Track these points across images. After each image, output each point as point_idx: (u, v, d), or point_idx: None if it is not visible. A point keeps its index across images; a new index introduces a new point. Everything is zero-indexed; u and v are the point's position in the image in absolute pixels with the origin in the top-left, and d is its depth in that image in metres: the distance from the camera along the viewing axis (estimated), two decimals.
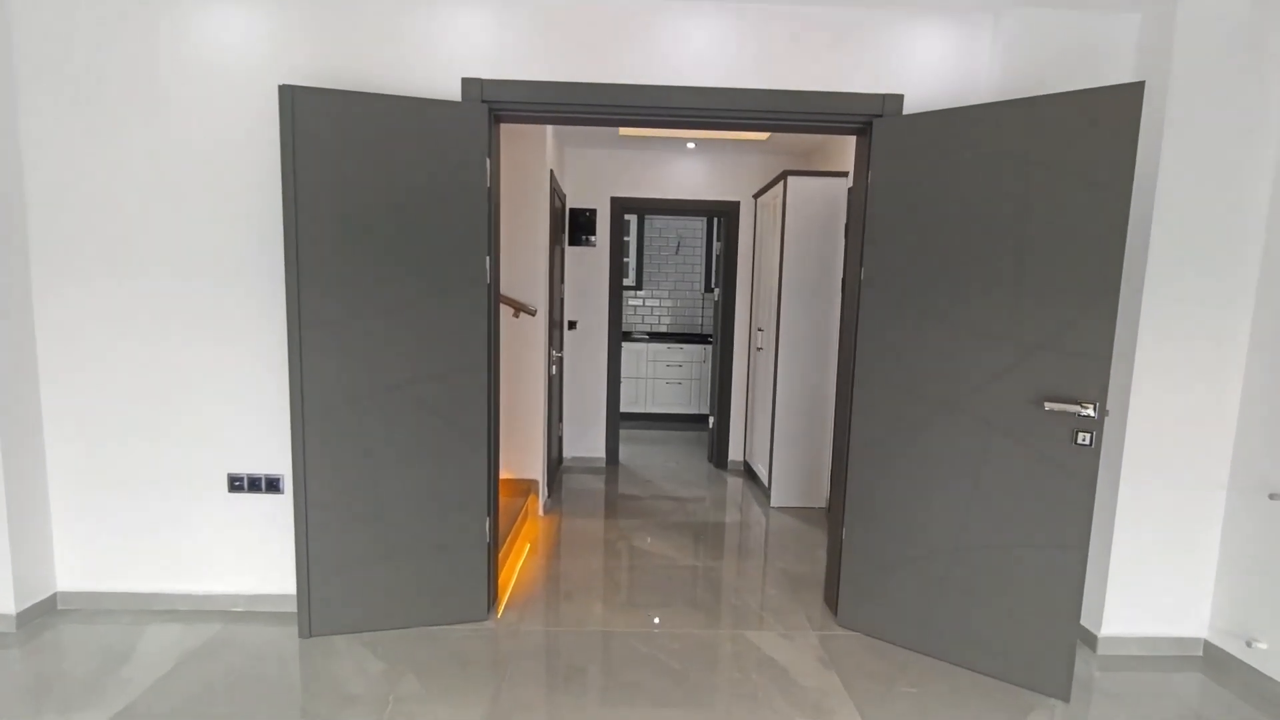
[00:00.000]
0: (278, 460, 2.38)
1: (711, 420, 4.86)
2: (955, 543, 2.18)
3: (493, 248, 2.33)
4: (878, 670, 2.18)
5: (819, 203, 3.67)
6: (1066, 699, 2.03)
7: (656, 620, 2.47)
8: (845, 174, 3.64)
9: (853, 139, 3.48)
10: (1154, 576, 2.28)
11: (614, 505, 3.84)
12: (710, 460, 4.90)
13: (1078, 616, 2.00)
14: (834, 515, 2.57)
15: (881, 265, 2.27)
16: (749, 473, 4.56)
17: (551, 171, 3.62)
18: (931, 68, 2.28)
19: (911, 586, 2.29)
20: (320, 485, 2.24)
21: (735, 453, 4.73)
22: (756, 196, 4.42)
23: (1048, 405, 1.97)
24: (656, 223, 6.68)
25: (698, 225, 6.69)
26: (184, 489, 2.39)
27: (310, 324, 2.15)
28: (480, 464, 2.34)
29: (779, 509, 3.86)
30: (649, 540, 3.27)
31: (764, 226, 4.21)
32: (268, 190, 2.26)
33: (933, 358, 2.19)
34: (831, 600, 2.57)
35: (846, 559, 2.44)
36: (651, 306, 6.81)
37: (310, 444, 2.21)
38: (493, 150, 2.30)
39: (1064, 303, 1.94)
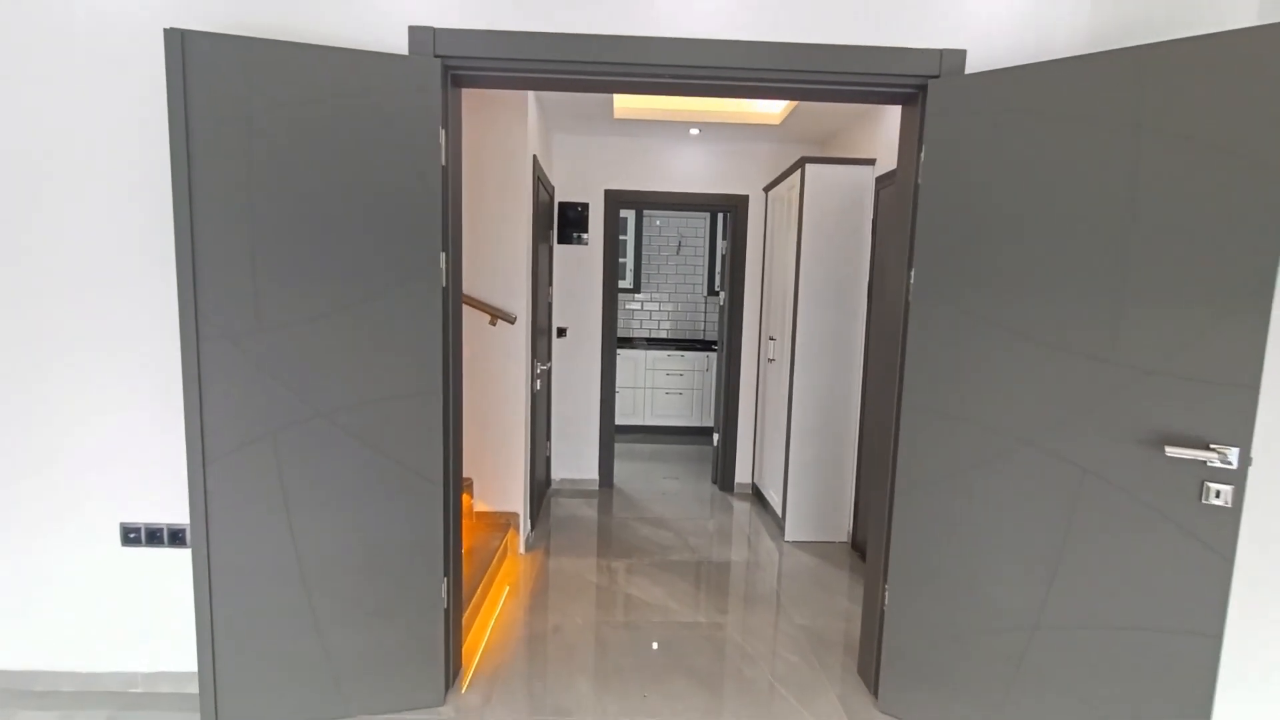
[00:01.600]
0: (184, 506, 1.91)
1: (716, 438, 4.39)
2: (1036, 618, 1.71)
3: (450, 241, 1.86)
4: None
5: (841, 194, 3.20)
6: None
7: (649, 701, 2.00)
8: (872, 161, 3.18)
9: (890, 114, 3.03)
10: None
11: (607, 539, 3.36)
12: (714, 482, 4.43)
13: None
14: (872, 570, 2.10)
15: (938, 266, 1.81)
16: (758, 498, 4.09)
17: (535, 158, 3.15)
18: (999, 16, 1.82)
19: (977, 669, 1.81)
20: (228, 539, 1.76)
21: (742, 474, 4.26)
22: (768, 189, 3.96)
23: (1169, 450, 1.49)
24: (656, 220, 6.22)
25: (700, 223, 6.23)
26: (66, 541, 1.92)
27: (212, 335, 1.68)
28: (434, 510, 1.87)
29: (794, 543, 3.39)
30: (649, 589, 2.80)
31: (777, 222, 3.75)
32: (161, 166, 1.79)
33: (1004, 382, 1.72)
34: (868, 675, 2.10)
35: (890, 628, 1.97)
36: (650, 310, 6.34)
37: (215, 487, 1.74)
38: (450, 119, 1.84)
39: (1187, 312, 1.48)
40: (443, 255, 1.81)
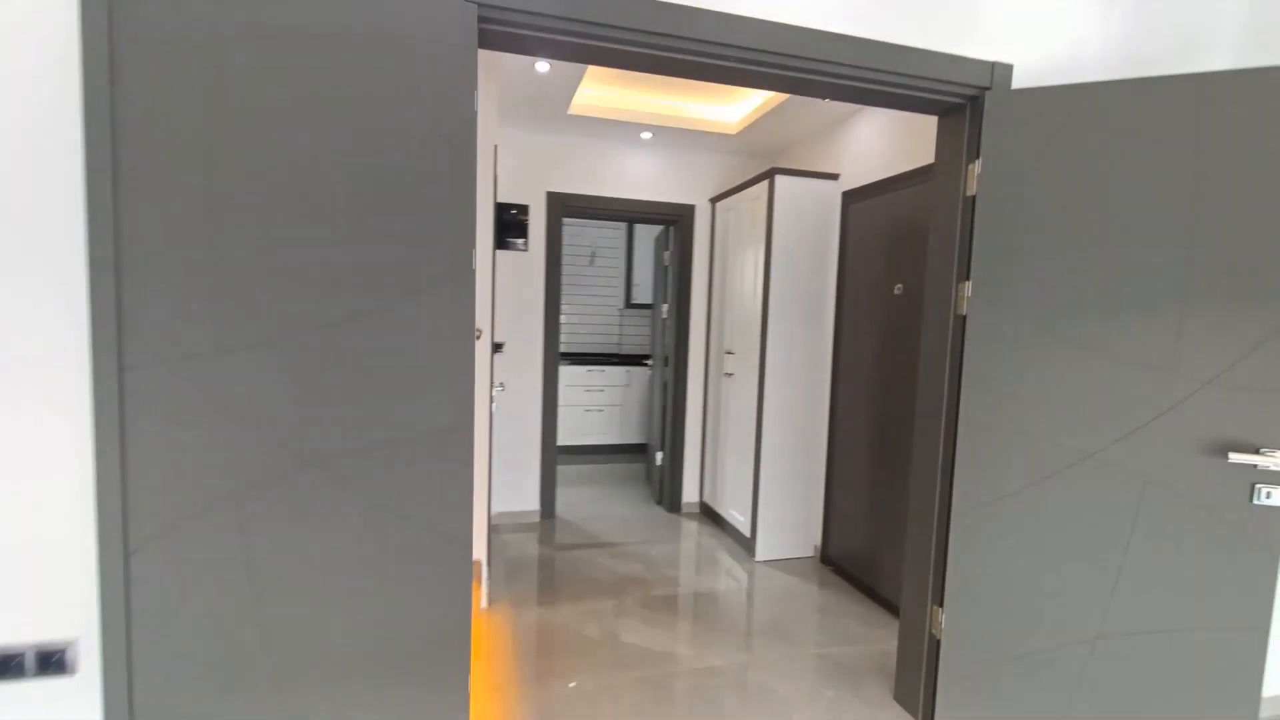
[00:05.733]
0: (62, 613, 1.28)
1: (660, 457, 4.19)
2: (1098, 627, 1.73)
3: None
4: None
5: (809, 207, 3.20)
6: None
7: None
8: (836, 176, 3.21)
9: (851, 130, 3.02)
10: None
11: (574, 579, 3.00)
12: (659, 503, 4.22)
13: (1255, 714, 1.62)
14: (914, 595, 2.02)
15: (996, 279, 1.78)
16: (710, 516, 3.95)
17: (496, 149, 2.75)
18: (1038, 33, 1.86)
19: (1039, 684, 1.79)
20: (159, 649, 1.21)
21: (690, 493, 4.10)
22: (716, 200, 3.87)
23: (1232, 457, 1.57)
24: (568, 229, 5.91)
25: (616, 233, 6.04)
26: None
27: (143, 361, 1.14)
28: (461, 582, 1.45)
29: (766, 563, 3.28)
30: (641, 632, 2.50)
31: (732, 235, 3.67)
32: (72, 116, 1.21)
33: (1066, 395, 1.72)
34: (911, 701, 2.02)
35: (948, 652, 1.89)
36: (562, 324, 5.99)
37: (141, 577, 1.19)
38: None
39: (1245, 324, 1.57)
40: (474, 252, 1.42)
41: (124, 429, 1.13)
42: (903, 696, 2.08)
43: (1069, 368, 1.72)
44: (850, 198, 3.11)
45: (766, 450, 3.25)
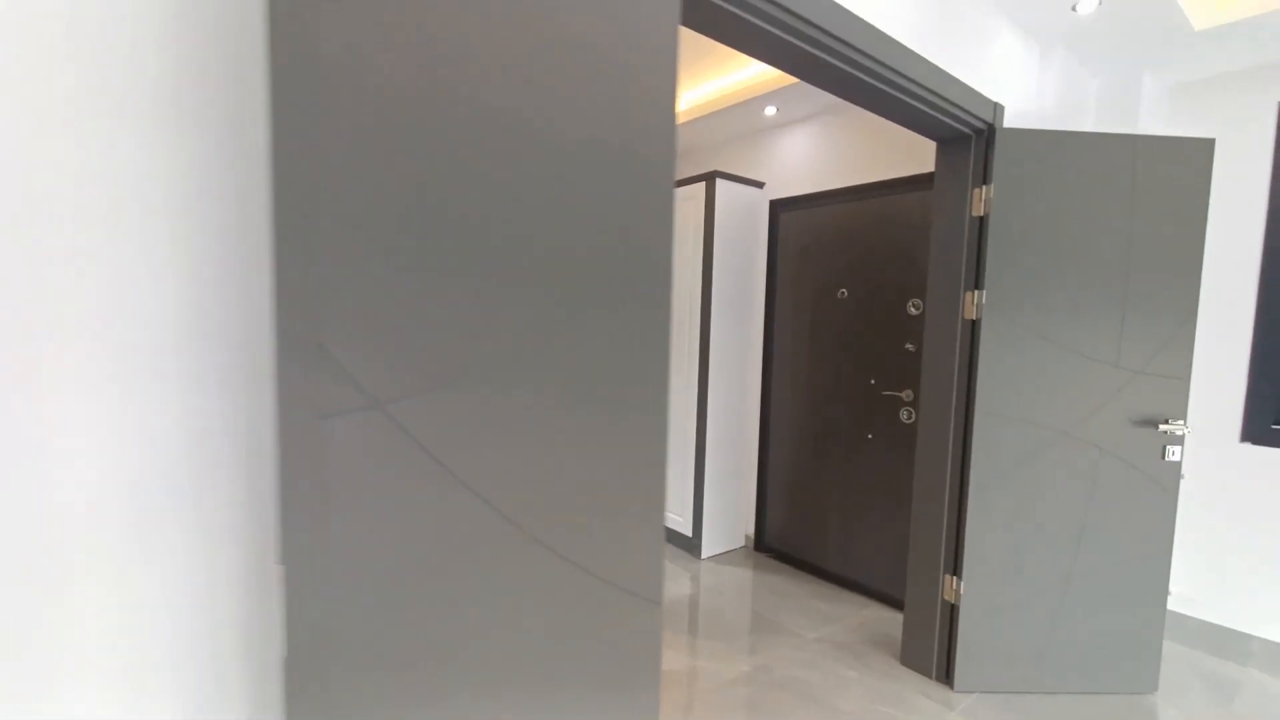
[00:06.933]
0: None
1: None
2: (1069, 569, 2.15)
3: None
4: None
5: (742, 211, 3.32)
6: (1155, 689, 2.21)
7: None
8: (761, 184, 3.39)
9: (770, 144, 3.19)
10: None
11: None
12: None
13: (1163, 622, 2.20)
14: (924, 568, 2.27)
15: (1002, 289, 2.09)
16: None
17: None
18: (1011, 82, 2.22)
19: (1029, 627, 2.16)
20: None
21: None
22: None
23: (1162, 426, 2.10)
24: None
25: None
26: None
27: (347, 405, 0.71)
28: (656, 644, 1.20)
29: (711, 560, 3.34)
30: None
31: None
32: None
33: (1050, 385, 2.11)
34: (922, 664, 2.26)
35: (966, 615, 2.16)
36: None
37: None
38: None
39: (1158, 329, 2.10)
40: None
41: (330, 513, 0.67)
42: (912, 660, 2.32)
43: (1053, 362, 2.10)
44: (780, 206, 3.32)
45: (711, 450, 3.30)
